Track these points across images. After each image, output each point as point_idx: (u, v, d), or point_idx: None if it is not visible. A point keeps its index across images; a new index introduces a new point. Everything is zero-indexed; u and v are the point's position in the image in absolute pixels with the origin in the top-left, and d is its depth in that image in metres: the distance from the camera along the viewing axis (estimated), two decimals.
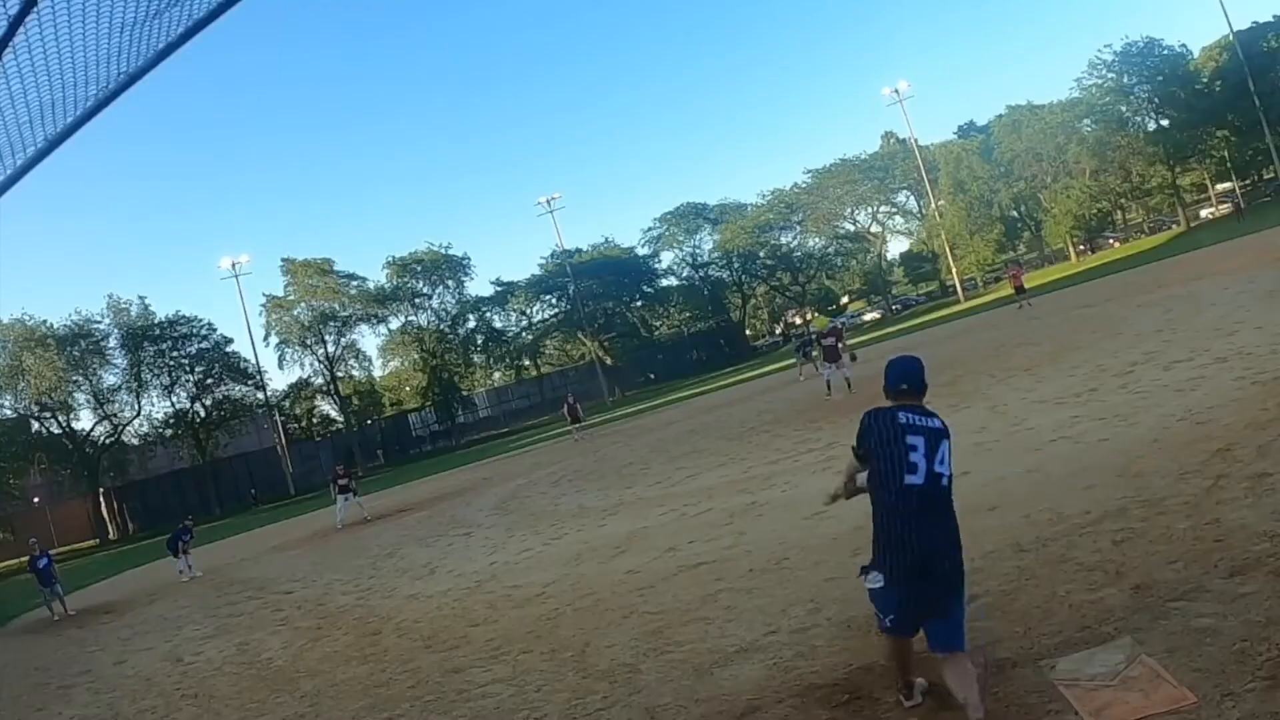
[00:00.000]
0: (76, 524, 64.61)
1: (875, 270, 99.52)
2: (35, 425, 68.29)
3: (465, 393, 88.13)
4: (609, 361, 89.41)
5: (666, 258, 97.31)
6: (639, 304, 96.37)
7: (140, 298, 72.19)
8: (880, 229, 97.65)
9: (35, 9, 3.53)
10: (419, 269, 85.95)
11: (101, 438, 70.07)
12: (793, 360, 40.28)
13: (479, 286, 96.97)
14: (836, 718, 5.05)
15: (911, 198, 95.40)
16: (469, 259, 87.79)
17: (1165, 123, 77.51)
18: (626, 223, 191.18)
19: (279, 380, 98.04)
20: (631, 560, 10.70)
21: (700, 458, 19.24)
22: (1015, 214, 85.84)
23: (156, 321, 72.57)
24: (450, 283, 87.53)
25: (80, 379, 68.71)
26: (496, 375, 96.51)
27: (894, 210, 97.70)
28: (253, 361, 75.22)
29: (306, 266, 79.48)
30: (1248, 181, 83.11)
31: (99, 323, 70.24)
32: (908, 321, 67.90)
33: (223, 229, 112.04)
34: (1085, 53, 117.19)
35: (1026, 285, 43.33)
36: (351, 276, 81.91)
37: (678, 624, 7.62)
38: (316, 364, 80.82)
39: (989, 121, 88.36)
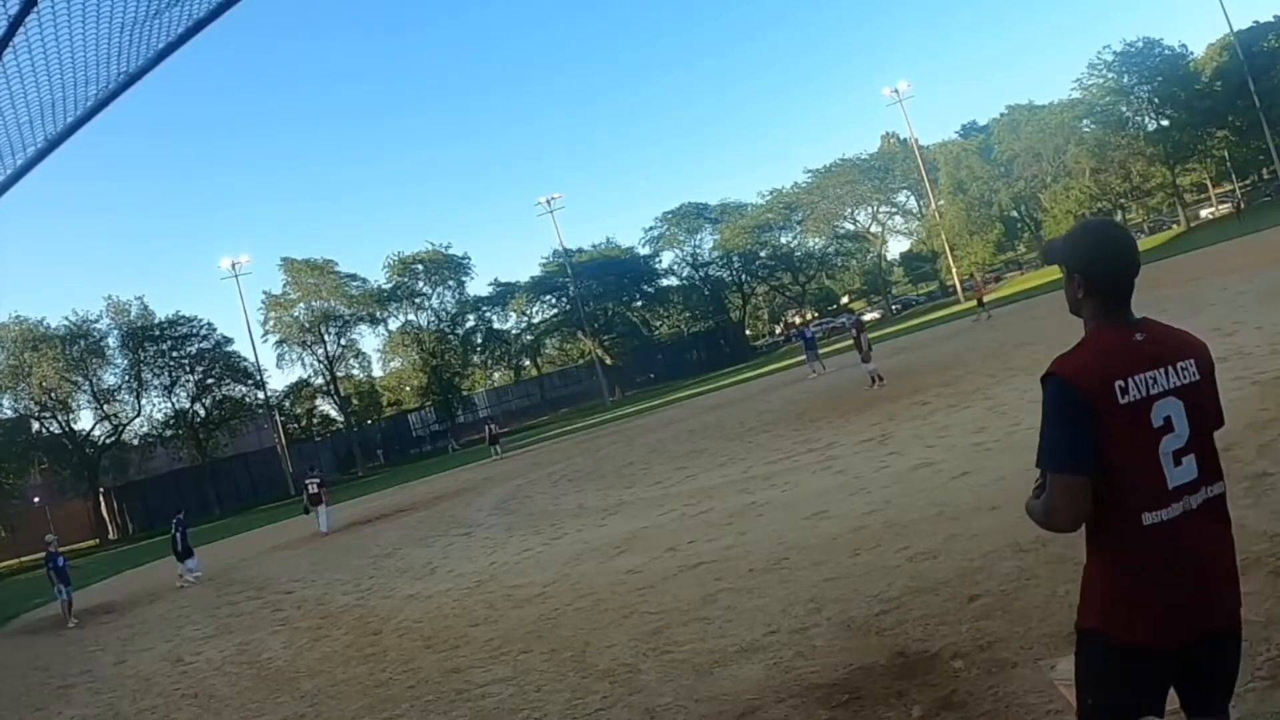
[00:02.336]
0: (76, 524, 64.53)
1: (875, 270, 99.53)
2: (35, 425, 68.31)
3: (465, 393, 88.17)
4: (609, 361, 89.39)
5: (667, 257, 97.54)
6: (639, 304, 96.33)
7: (138, 298, 72.32)
8: (880, 229, 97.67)
9: (35, 9, 3.53)
10: (420, 269, 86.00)
11: (101, 438, 70.07)
12: (801, 358, 39.92)
13: (479, 287, 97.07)
14: (836, 717, 5.04)
15: (911, 198, 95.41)
16: (469, 259, 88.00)
17: (1165, 123, 77.49)
18: (627, 223, 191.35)
19: (278, 380, 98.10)
20: (631, 560, 10.70)
21: (700, 458, 19.25)
22: (1015, 214, 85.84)
23: (156, 322, 72.53)
24: (451, 283, 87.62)
25: (80, 379, 68.73)
26: (496, 375, 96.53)
27: (894, 210, 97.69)
28: (253, 361, 75.35)
29: (306, 266, 79.50)
30: (1248, 181, 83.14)
31: (98, 323, 70.36)
32: (908, 321, 67.95)
33: (223, 229, 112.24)
34: (1086, 53, 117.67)
35: (984, 299, 44.15)
36: (352, 276, 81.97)
37: (678, 624, 7.62)
38: (316, 364, 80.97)
39: (990, 122, 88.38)
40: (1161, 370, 2.50)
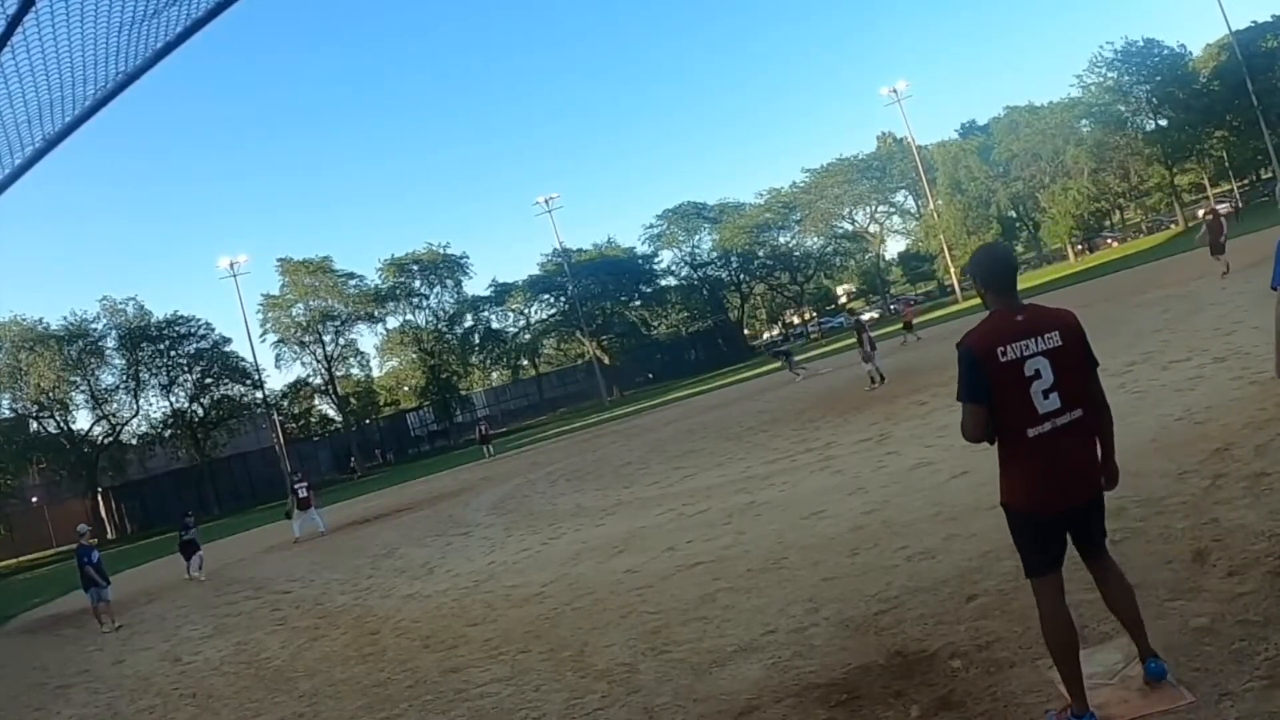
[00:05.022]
0: (74, 524, 64.49)
1: (873, 270, 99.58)
2: (33, 425, 68.23)
3: (464, 392, 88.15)
4: (607, 361, 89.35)
5: (665, 257, 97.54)
6: (637, 303, 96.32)
7: (133, 298, 72.24)
8: (878, 229, 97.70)
9: (33, 8, 3.52)
10: (416, 268, 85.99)
11: (100, 437, 69.97)
12: (798, 358, 40.17)
13: (477, 286, 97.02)
14: (834, 717, 5.05)
15: (909, 197, 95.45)
16: (467, 258, 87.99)
17: (1163, 123, 77.46)
18: (625, 223, 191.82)
19: (276, 380, 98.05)
20: (630, 560, 10.70)
21: (698, 457, 19.25)
22: (1013, 214, 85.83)
23: (154, 321, 72.43)
24: (449, 282, 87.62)
25: (78, 379, 68.65)
26: (495, 375, 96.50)
27: (892, 210, 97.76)
28: (251, 361, 75.25)
29: (304, 266, 79.46)
30: (1246, 181, 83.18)
31: (95, 323, 70.24)
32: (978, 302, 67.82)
33: (221, 230, 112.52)
34: (1085, 54, 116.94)
35: (912, 322, 42.78)
36: (349, 275, 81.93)
37: (676, 624, 7.63)
38: (314, 363, 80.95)
39: (989, 121, 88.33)
40: (1032, 339, 3.98)
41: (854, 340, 42.20)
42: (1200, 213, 25.96)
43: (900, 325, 43.67)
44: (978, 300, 4.46)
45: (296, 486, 26.48)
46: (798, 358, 40.51)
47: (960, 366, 4.07)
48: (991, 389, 3.99)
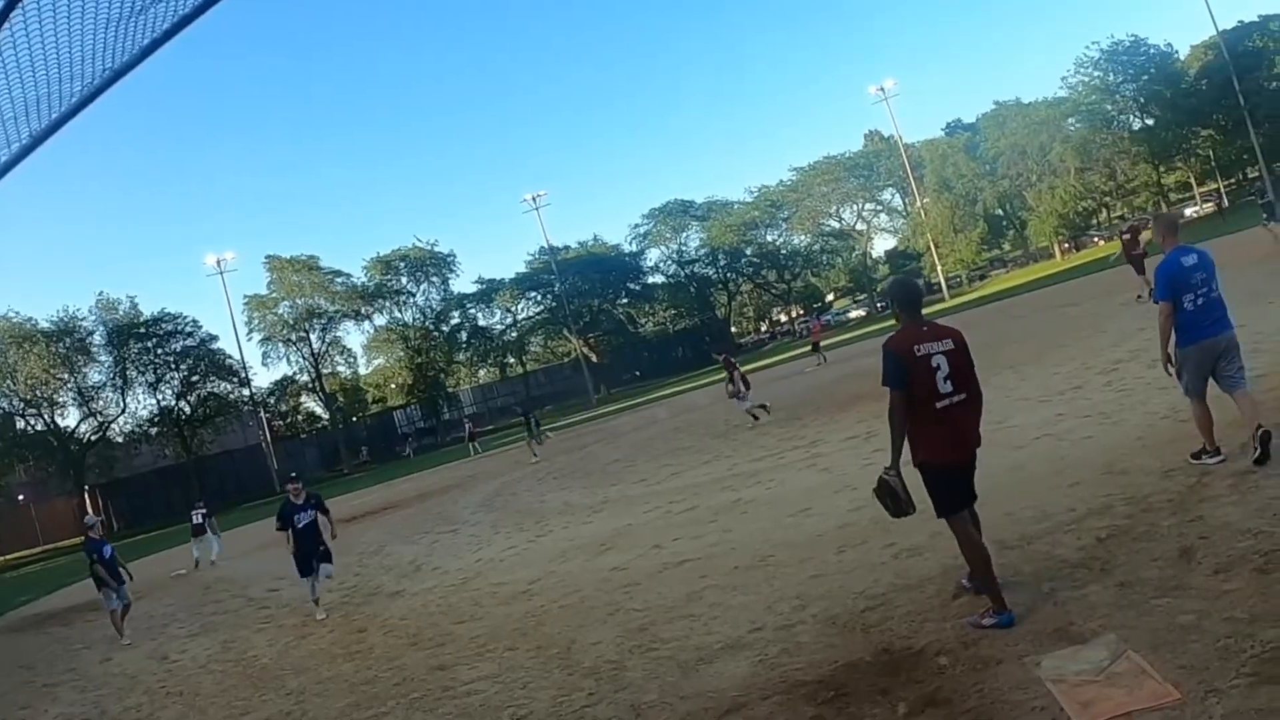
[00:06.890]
0: (61, 522, 64.15)
1: (860, 268, 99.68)
2: (20, 423, 67.89)
3: (451, 390, 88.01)
4: (594, 359, 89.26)
5: (653, 255, 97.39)
6: (625, 301, 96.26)
7: (129, 296, 71.95)
8: (865, 226, 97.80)
9: (20, 5, 3.51)
10: (403, 266, 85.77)
11: (87, 435, 69.66)
12: (803, 351, 38.63)
13: (464, 284, 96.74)
14: (821, 714, 5.06)
15: (897, 195, 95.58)
16: (454, 256, 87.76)
17: (1150, 122, 77.68)
18: (612, 222, 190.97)
19: (264, 377, 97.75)
20: (617, 558, 10.72)
21: (685, 455, 19.26)
22: (1000, 212, 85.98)
23: (142, 319, 72.14)
24: (436, 279, 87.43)
25: (66, 376, 68.34)
26: (482, 373, 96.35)
27: (879, 208, 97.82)
28: (238, 359, 75.00)
29: (290, 264, 79.21)
30: (1232, 180, 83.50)
31: (84, 320, 69.93)
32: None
33: (208, 229, 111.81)
34: (1072, 53, 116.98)
35: (820, 343, 41.39)
36: (336, 273, 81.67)
37: (663, 621, 7.65)
38: (301, 361, 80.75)
39: (976, 119, 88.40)
40: (935, 343, 5.68)
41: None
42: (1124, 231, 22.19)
43: (809, 347, 42.21)
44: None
45: (194, 511, 24.57)
46: (545, 426, 37.68)
47: (887, 362, 5.68)
48: (909, 376, 5.60)
